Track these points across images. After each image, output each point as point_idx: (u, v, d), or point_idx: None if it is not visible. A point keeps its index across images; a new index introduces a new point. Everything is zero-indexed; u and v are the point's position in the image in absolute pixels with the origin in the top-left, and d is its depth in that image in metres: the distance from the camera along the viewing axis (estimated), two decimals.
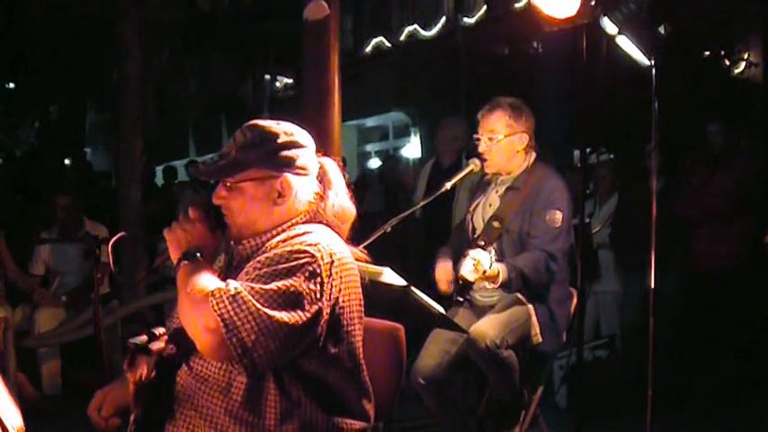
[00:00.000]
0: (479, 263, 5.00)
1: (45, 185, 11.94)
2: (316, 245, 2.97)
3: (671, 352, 7.35)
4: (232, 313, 2.77)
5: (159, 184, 17.01)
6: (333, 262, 2.98)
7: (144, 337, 3.06)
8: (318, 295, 2.91)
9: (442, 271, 5.55)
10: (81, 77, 17.85)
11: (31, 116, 25.81)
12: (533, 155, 5.61)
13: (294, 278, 2.87)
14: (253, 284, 2.85)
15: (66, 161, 21.11)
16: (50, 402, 7.99)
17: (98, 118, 29.10)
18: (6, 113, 24.80)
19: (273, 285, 2.84)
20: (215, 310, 2.78)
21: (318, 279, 2.92)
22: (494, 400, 5.68)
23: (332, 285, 2.96)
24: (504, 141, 5.48)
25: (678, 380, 7.13)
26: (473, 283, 5.42)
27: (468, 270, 5.10)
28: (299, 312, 2.84)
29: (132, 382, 3.03)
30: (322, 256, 2.95)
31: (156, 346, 3.03)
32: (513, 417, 5.50)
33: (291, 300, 2.85)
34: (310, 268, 2.91)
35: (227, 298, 2.79)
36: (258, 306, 2.79)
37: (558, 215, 5.31)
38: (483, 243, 5.41)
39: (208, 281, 2.91)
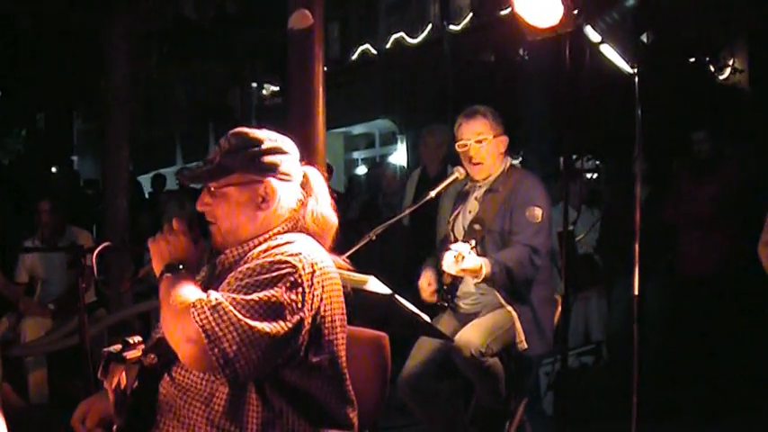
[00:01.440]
0: (460, 254, 5.02)
1: (31, 194, 11.91)
2: (297, 255, 2.97)
3: (657, 359, 7.37)
4: (213, 324, 2.78)
5: (147, 193, 17.00)
6: (314, 272, 2.98)
7: (118, 346, 3.07)
8: (300, 305, 2.91)
9: (426, 279, 5.57)
10: (68, 86, 17.81)
11: (18, 124, 25.79)
12: (509, 159, 5.70)
13: (275, 288, 2.88)
14: (234, 295, 2.86)
15: (54, 169, 21.07)
16: (37, 411, 7.97)
17: (85, 126, 29.08)
18: None
19: (255, 296, 2.85)
20: (196, 321, 2.78)
21: (300, 289, 2.92)
22: (480, 408, 5.69)
23: (313, 295, 2.97)
24: (492, 142, 5.54)
25: (664, 387, 7.14)
26: (456, 280, 5.45)
27: (449, 263, 5.12)
28: (281, 323, 2.85)
29: (110, 390, 3.03)
30: (303, 266, 2.95)
31: (131, 354, 3.04)
32: (500, 424, 5.52)
33: (273, 310, 2.85)
34: (291, 278, 2.91)
35: (209, 309, 2.80)
36: (239, 317, 2.79)
37: (538, 211, 5.36)
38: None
39: (189, 292, 2.92)
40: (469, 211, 5.65)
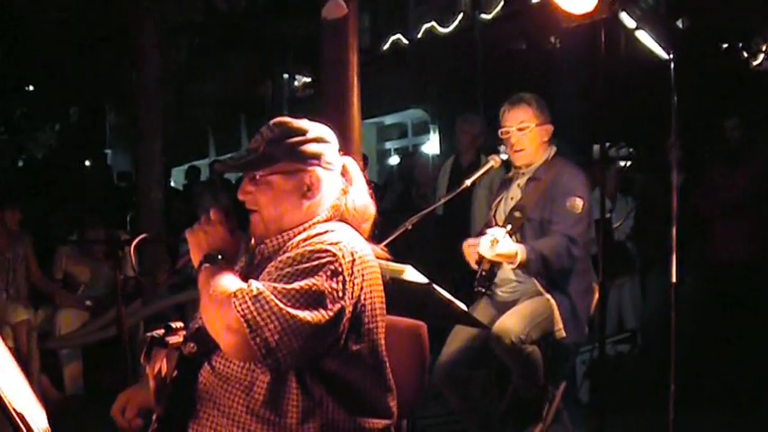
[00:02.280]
0: (495, 239, 5.02)
1: (66, 188, 11.99)
2: (337, 243, 2.97)
3: (692, 347, 7.33)
4: (255, 313, 2.78)
5: (181, 185, 17.03)
6: (354, 260, 2.98)
7: (161, 331, 3.09)
8: (340, 294, 2.91)
9: (467, 243, 5.54)
10: (100, 79, 17.91)
11: (51, 118, 25.92)
12: (554, 148, 5.66)
13: (316, 277, 2.87)
14: (275, 284, 2.85)
15: (87, 163, 21.19)
16: (73, 403, 8.03)
17: (118, 120, 29.20)
18: (26, 116, 24.90)
19: (296, 285, 2.85)
20: (237, 311, 2.78)
21: (340, 278, 2.92)
22: (516, 396, 5.69)
23: (353, 284, 2.96)
24: (535, 131, 5.55)
25: (700, 375, 7.10)
26: (495, 267, 5.43)
27: (485, 246, 5.12)
28: (322, 311, 2.85)
29: (151, 376, 3.05)
30: (343, 255, 2.95)
31: (173, 339, 3.06)
32: (537, 412, 5.51)
33: (314, 299, 2.85)
34: (332, 267, 2.91)
35: (250, 298, 2.80)
36: (281, 306, 2.79)
37: (579, 202, 5.34)
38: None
39: (229, 282, 2.91)
40: (512, 198, 5.65)
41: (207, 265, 3.03)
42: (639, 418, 6.60)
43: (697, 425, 6.45)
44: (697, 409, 6.54)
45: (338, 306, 2.90)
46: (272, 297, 2.80)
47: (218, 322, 2.84)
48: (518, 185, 5.67)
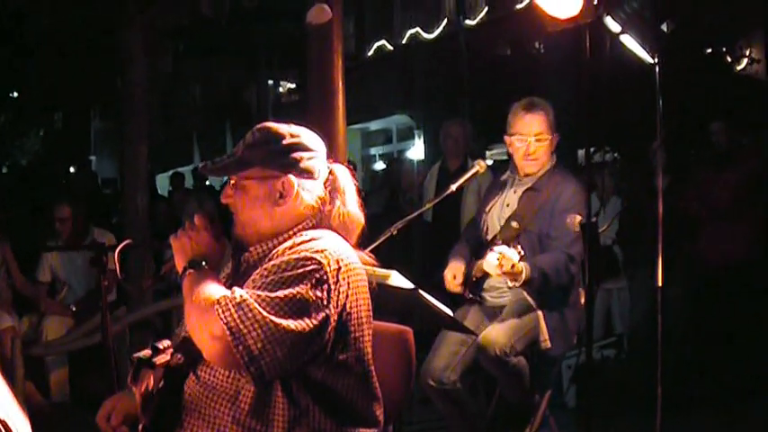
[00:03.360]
0: (504, 256, 4.99)
1: (51, 193, 11.94)
2: (323, 251, 2.95)
3: (680, 350, 7.34)
4: (238, 321, 2.76)
5: (166, 191, 17.01)
6: (340, 268, 2.96)
7: (148, 351, 3.07)
8: (325, 302, 2.89)
9: (452, 272, 5.54)
10: (85, 85, 17.86)
11: (36, 124, 25.86)
12: (555, 157, 5.64)
13: (301, 285, 2.86)
14: (259, 292, 2.84)
15: (72, 169, 21.13)
16: (58, 410, 7.99)
17: (103, 125, 29.16)
18: (11, 122, 24.84)
19: (280, 293, 2.83)
20: (221, 318, 2.77)
21: (325, 286, 2.90)
22: (503, 402, 5.69)
23: (339, 292, 2.94)
24: (550, 141, 5.54)
25: (688, 379, 7.11)
26: (486, 275, 5.41)
27: (492, 265, 5.09)
28: (306, 320, 2.83)
29: (138, 394, 3.03)
30: (329, 263, 2.93)
31: (161, 359, 3.04)
32: (523, 418, 5.51)
33: (298, 307, 2.83)
34: (317, 275, 2.89)
35: (233, 306, 2.78)
36: (264, 314, 2.78)
37: (578, 219, 5.29)
38: (500, 243, 5.41)
39: (213, 289, 2.91)
40: (507, 204, 5.63)
41: (191, 270, 3.03)
42: (626, 422, 6.59)
43: (684, 428, 6.45)
44: (684, 412, 6.53)
45: (322, 315, 2.88)
46: (256, 305, 2.79)
47: (201, 329, 2.83)
48: (514, 192, 5.64)
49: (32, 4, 10.61)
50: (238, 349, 2.75)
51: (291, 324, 2.80)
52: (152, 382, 3.03)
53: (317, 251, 2.94)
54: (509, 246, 5.21)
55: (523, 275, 5.14)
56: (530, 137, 5.51)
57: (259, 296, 2.82)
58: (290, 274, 2.88)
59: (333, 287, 2.92)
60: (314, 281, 2.88)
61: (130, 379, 3.05)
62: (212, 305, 2.81)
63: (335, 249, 3.00)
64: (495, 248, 5.11)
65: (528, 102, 5.59)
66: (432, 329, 5.41)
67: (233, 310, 2.78)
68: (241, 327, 2.76)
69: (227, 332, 2.76)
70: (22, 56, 16.92)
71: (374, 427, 3.15)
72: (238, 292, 2.84)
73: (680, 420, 6.04)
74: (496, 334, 5.24)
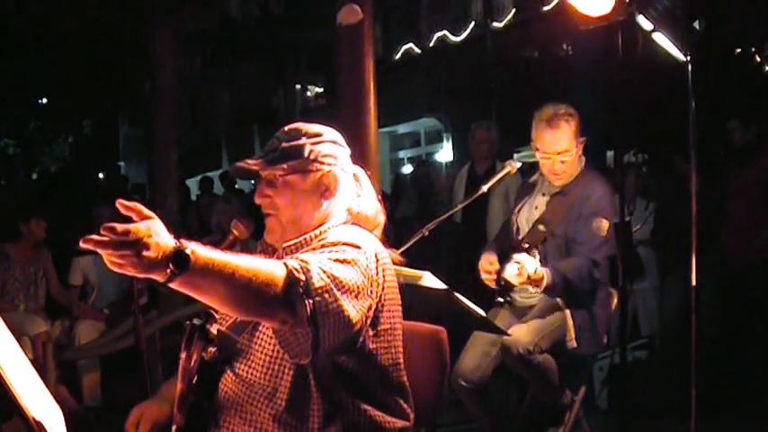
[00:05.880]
0: (523, 266, 4.99)
1: (80, 199, 12.00)
2: (359, 246, 2.94)
3: (712, 350, 7.30)
4: (323, 310, 2.65)
5: (195, 195, 17.06)
6: (378, 260, 2.96)
7: (201, 319, 2.99)
8: (370, 291, 2.89)
9: (486, 261, 5.51)
10: (114, 91, 17.93)
11: (65, 131, 25.99)
12: (583, 159, 5.60)
13: (354, 269, 2.82)
14: (327, 269, 2.73)
15: (101, 175, 21.24)
16: (91, 414, 8.02)
17: (131, 131, 29.27)
18: (40, 128, 24.97)
19: (342, 277, 2.75)
20: (307, 305, 2.62)
21: (370, 275, 2.89)
22: (536, 402, 5.67)
23: (378, 283, 2.94)
24: (578, 149, 5.48)
25: (720, 380, 7.06)
26: (515, 285, 5.39)
27: (512, 273, 5.09)
28: (359, 306, 2.81)
29: (182, 363, 2.95)
30: (369, 254, 2.92)
31: (213, 327, 2.96)
32: (556, 418, 5.49)
33: (356, 293, 2.80)
34: (364, 264, 2.87)
35: (321, 291, 2.66)
36: (341, 301, 2.70)
37: (605, 224, 5.27)
38: (527, 246, 5.39)
39: (258, 264, 2.58)
40: (536, 207, 5.62)
41: (193, 249, 2.45)
42: (659, 424, 6.56)
43: (717, 429, 6.42)
44: (717, 413, 6.50)
45: (368, 303, 2.87)
46: (336, 291, 2.70)
47: (270, 308, 2.61)
48: (543, 195, 5.62)
49: (60, 8, 10.63)
50: (309, 337, 2.67)
51: (351, 312, 2.75)
52: (196, 356, 2.95)
53: (355, 243, 2.93)
54: (536, 248, 5.23)
55: (545, 282, 5.14)
56: (554, 155, 5.46)
57: (332, 276, 2.72)
58: (342, 256, 2.82)
59: (374, 277, 2.91)
60: (362, 269, 2.85)
61: (184, 346, 2.94)
62: (286, 288, 2.59)
63: (371, 243, 3.01)
64: (515, 257, 5.13)
65: (551, 114, 5.46)
66: (462, 331, 5.40)
67: (319, 297, 2.64)
68: (321, 318, 2.66)
69: (308, 321, 2.63)
70: (50, 62, 17.00)
71: (405, 420, 3.15)
72: (315, 272, 2.67)
73: (713, 421, 6.02)
74: (520, 333, 5.23)
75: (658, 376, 7.22)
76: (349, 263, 2.82)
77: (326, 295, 2.66)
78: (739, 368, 7.40)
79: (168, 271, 2.38)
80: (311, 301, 2.63)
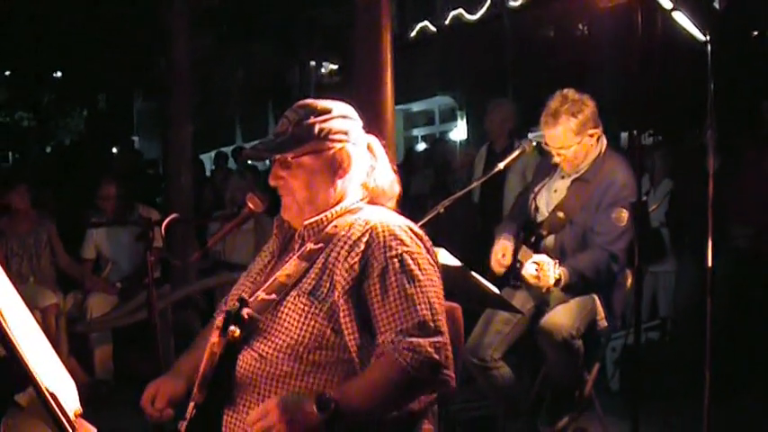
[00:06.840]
0: (542, 269, 4.96)
1: (94, 173, 12.00)
2: (401, 239, 2.99)
3: (724, 334, 7.27)
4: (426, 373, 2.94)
5: (209, 171, 17.06)
6: (422, 239, 3.08)
7: (237, 304, 3.00)
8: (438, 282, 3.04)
9: (501, 249, 5.49)
10: (128, 65, 17.93)
11: (80, 104, 26.03)
12: (604, 142, 5.55)
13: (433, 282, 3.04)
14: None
15: (114, 149, 21.24)
16: (102, 387, 8.03)
17: (145, 106, 29.28)
18: (55, 102, 25.00)
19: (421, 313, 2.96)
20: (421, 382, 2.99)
21: (432, 264, 3.06)
22: (548, 382, 5.66)
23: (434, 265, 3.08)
24: (576, 147, 5.43)
25: (731, 362, 7.04)
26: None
27: (530, 273, 5.07)
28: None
29: (209, 349, 2.96)
30: (425, 242, 3.08)
31: (246, 311, 2.96)
32: (569, 399, 5.49)
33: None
34: (426, 257, 3.04)
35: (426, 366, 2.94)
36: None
37: (625, 214, 5.21)
38: (545, 232, 5.38)
39: (371, 381, 2.89)
40: (555, 190, 5.59)
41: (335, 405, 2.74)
42: (671, 406, 6.56)
43: (730, 412, 6.39)
44: (730, 395, 6.48)
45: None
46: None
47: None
48: (562, 178, 5.59)
49: None
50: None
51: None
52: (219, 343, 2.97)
53: (401, 241, 2.99)
54: (546, 236, 5.22)
55: (562, 281, 5.14)
56: (553, 149, 5.47)
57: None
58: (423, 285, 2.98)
59: (432, 260, 3.07)
60: (430, 272, 3.03)
61: (219, 332, 2.96)
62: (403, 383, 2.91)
63: (403, 222, 3.07)
64: (535, 257, 5.10)
65: (553, 109, 5.41)
66: (474, 309, 5.39)
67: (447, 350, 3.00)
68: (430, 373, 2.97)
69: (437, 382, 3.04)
70: (65, 36, 16.99)
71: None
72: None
73: (725, 403, 5.99)
74: (561, 318, 5.25)
75: (672, 358, 7.20)
76: (426, 284, 2.99)
77: (447, 349, 2.99)
78: (752, 351, 7.37)
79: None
80: (446, 371, 3.01)
